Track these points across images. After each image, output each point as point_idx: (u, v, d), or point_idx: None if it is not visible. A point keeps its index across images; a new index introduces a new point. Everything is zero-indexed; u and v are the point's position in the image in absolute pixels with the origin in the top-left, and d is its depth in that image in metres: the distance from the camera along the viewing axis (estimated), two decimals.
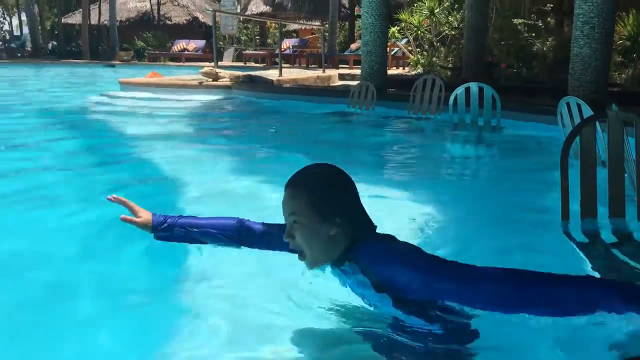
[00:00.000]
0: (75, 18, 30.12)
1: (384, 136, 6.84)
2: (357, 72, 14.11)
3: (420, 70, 12.69)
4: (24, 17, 31.57)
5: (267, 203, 3.24)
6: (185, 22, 30.09)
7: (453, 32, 12.63)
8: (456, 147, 5.79)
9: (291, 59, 20.60)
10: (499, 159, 5.24)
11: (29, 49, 27.25)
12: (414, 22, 13.04)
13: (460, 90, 6.07)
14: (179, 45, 24.84)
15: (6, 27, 38.06)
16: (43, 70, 21.07)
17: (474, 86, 6.00)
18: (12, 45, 26.40)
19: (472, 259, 1.50)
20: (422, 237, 2.69)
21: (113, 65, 22.30)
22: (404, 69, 16.37)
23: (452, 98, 6.12)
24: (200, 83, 10.25)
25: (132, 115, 8.29)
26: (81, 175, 4.23)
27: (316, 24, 23.15)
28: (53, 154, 5.09)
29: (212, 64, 12.29)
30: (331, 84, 12.73)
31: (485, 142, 5.85)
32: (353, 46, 18.99)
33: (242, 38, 28.97)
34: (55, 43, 30.34)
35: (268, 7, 24.90)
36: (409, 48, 14.64)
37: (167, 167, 4.46)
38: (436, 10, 12.52)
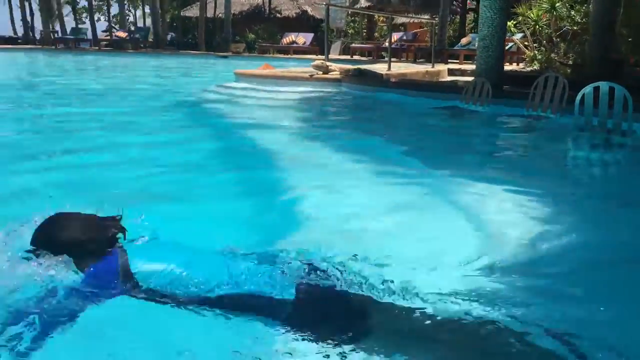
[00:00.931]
0: (192, 11, 31.74)
1: (499, 134, 6.62)
2: (468, 67, 13.74)
3: (536, 66, 12.11)
4: (147, 10, 33.78)
5: (374, 200, 3.28)
6: (294, 15, 30.72)
7: (575, 28, 11.92)
8: (581, 150, 5.47)
9: (399, 53, 20.43)
10: (629, 167, 4.89)
11: (150, 40, 29.10)
12: (532, 16, 12.45)
13: (588, 90, 5.72)
14: (288, 38, 25.43)
15: (131, 19, 41.04)
16: (163, 60, 22.44)
17: (604, 85, 5.63)
18: (137, 36, 28.28)
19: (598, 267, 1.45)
20: (538, 245, 2.60)
21: (226, 57, 23.27)
22: (517, 64, 15.69)
23: (579, 97, 5.79)
24: (311, 76, 10.44)
25: (246, 105, 8.65)
26: (195, 162, 4.48)
27: (425, 17, 22.77)
28: (173, 141, 5.39)
29: (320, 57, 12.50)
30: (440, 79, 12.50)
31: (615, 147, 5.48)
32: (464, 40, 18.48)
33: (349, 31, 29.13)
34: (174, 35, 32.21)
35: (376, 1, 24.82)
36: (525, 43, 14.01)
37: (277, 158, 4.62)
38: (557, 4, 11.85)
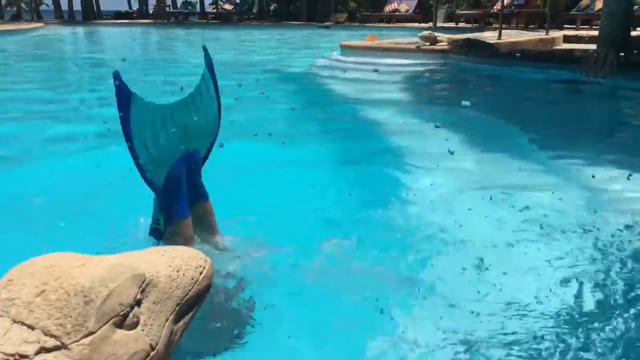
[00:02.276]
0: None
1: (625, 110, 6.20)
2: (586, 33, 12.82)
3: None
4: None
5: (486, 177, 3.22)
6: None
7: None
8: None
9: (508, 19, 19.37)
10: None
11: (254, 11, 29.71)
12: None
13: None
14: (391, 6, 24.91)
15: None
16: (266, 30, 22.88)
17: None
18: (242, 8, 28.99)
19: None
20: None
21: (328, 27, 23.29)
22: None
23: None
24: (418, 47, 10.26)
25: (353, 78, 8.66)
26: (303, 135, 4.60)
27: None
28: (281, 117, 5.55)
29: (424, 25, 12.18)
30: (555, 48, 11.78)
31: None
32: (583, 3, 17.17)
33: None
34: (276, 5, 32.62)
35: None
36: None
37: (384, 134, 4.64)
38: None
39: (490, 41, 10.51)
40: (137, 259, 1.08)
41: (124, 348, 0.94)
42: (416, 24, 21.78)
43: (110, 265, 1.00)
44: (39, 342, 0.88)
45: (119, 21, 28.86)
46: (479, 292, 1.94)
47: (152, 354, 0.99)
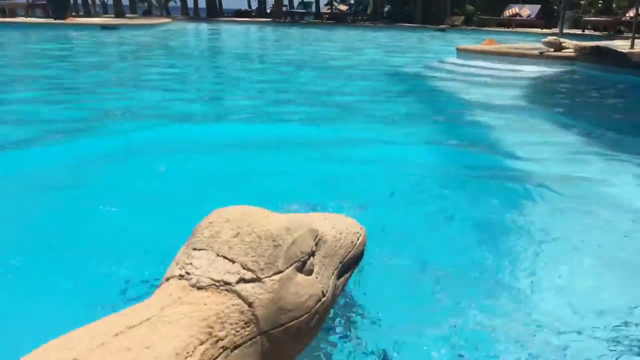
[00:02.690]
0: None
1: None
2: None
3: None
4: None
5: (610, 195, 3.04)
6: None
7: None
8: None
9: None
10: None
11: (368, 12, 29.97)
12: None
13: None
14: (512, 10, 24.10)
15: None
16: (380, 32, 22.98)
17: None
18: (357, 9, 29.34)
19: None
20: None
21: (443, 30, 22.97)
22: None
23: None
24: (541, 53, 9.87)
25: (470, 83, 8.49)
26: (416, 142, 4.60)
27: None
28: (394, 121, 5.58)
29: (546, 31, 11.67)
30: None
31: None
32: None
33: (582, 2, 26.48)
34: (390, 7, 32.64)
35: None
36: None
37: (502, 143, 4.50)
38: None
39: (623, 50, 9.89)
40: (307, 218, 1.20)
41: (304, 289, 1.06)
42: (538, 30, 20.91)
43: (291, 218, 1.14)
44: (238, 274, 1.02)
45: (239, 19, 30.26)
46: None
47: (323, 299, 1.11)
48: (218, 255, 1.05)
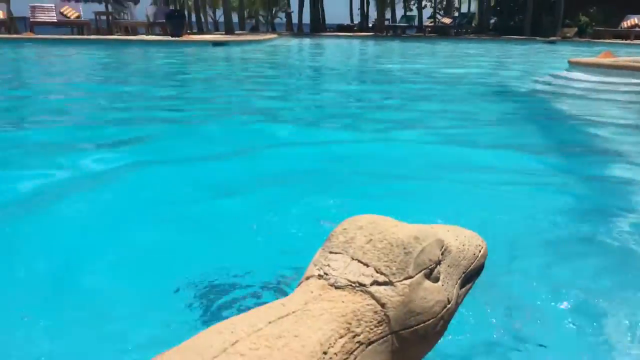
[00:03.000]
0: None
1: None
2: None
3: None
4: None
5: None
6: None
7: None
8: None
9: None
10: None
11: (474, 25, 29.39)
12: None
13: None
14: (630, 21, 22.65)
15: (456, 4, 41.90)
16: (485, 45, 22.44)
17: None
18: (461, 22, 28.87)
19: None
20: None
21: (554, 42, 22.06)
22: None
23: None
24: None
25: (585, 99, 8.09)
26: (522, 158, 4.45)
27: None
28: (502, 135, 5.44)
29: None
30: None
31: None
32: None
33: None
34: (496, 19, 31.80)
35: None
36: None
37: (624, 163, 4.25)
38: None
39: None
40: (432, 229, 1.27)
41: (431, 295, 1.14)
42: None
43: (419, 228, 1.22)
44: (372, 277, 1.12)
45: (342, 34, 30.82)
46: None
47: (448, 306, 1.18)
48: (353, 259, 1.15)
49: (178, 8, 28.10)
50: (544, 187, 3.60)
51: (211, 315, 1.86)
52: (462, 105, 7.53)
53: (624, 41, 21.44)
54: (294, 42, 25.77)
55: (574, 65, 10.68)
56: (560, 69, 10.95)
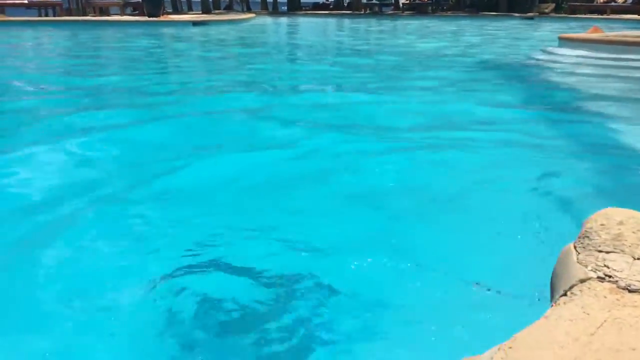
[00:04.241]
0: None
1: None
2: None
3: None
4: None
5: None
6: None
7: None
8: None
9: None
10: None
11: (451, 2, 29.34)
12: None
13: None
14: None
15: None
16: (466, 22, 22.43)
17: None
18: None
19: None
20: None
21: (532, 18, 22.20)
22: None
23: None
24: None
25: (585, 77, 8.11)
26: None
27: None
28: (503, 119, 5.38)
29: None
30: None
31: None
32: None
33: None
34: None
35: None
36: None
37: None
38: None
39: None
40: None
41: None
42: (635, 17, 19.83)
43: None
44: None
45: (320, 12, 30.44)
46: None
47: None
48: (636, 259, 1.08)
49: None
50: None
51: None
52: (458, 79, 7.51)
53: (600, 16, 21.73)
54: (276, 20, 25.38)
55: (565, 41, 10.73)
56: (548, 44, 10.99)
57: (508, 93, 6.76)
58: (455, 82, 7.47)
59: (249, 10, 32.53)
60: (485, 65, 9.49)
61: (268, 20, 25.68)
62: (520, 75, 8.50)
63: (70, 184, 3.12)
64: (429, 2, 28.76)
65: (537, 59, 9.92)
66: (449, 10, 28.11)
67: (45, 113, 5.21)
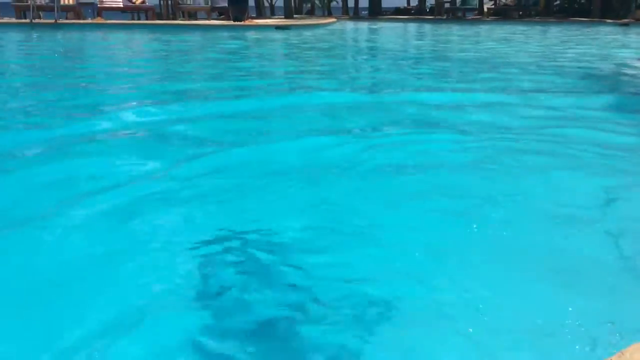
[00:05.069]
0: None
1: None
2: None
3: None
4: None
5: None
6: None
7: None
8: None
9: None
10: None
11: (540, 7, 28.26)
12: None
13: None
14: None
15: None
16: (554, 27, 21.52)
17: None
18: (526, 3, 27.82)
19: None
20: None
21: (627, 25, 21.00)
22: None
23: None
24: None
25: None
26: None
27: None
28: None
29: None
30: None
31: None
32: None
33: None
34: (560, 0, 30.53)
35: None
36: None
37: None
38: None
39: None
40: None
41: None
42: None
43: None
44: None
45: (400, 17, 30.29)
46: None
47: None
48: None
49: None
50: None
51: None
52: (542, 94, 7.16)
53: None
54: (358, 25, 25.52)
55: None
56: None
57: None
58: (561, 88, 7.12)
59: (330, 15, 32.89)
60: (575, 73, 9.02)
61: (350, 24, 25.83)
62: (612, 82, 8.06)
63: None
64: (514, 7, 27.90)
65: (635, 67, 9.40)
66: (537, 16, 27.12)
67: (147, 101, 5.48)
